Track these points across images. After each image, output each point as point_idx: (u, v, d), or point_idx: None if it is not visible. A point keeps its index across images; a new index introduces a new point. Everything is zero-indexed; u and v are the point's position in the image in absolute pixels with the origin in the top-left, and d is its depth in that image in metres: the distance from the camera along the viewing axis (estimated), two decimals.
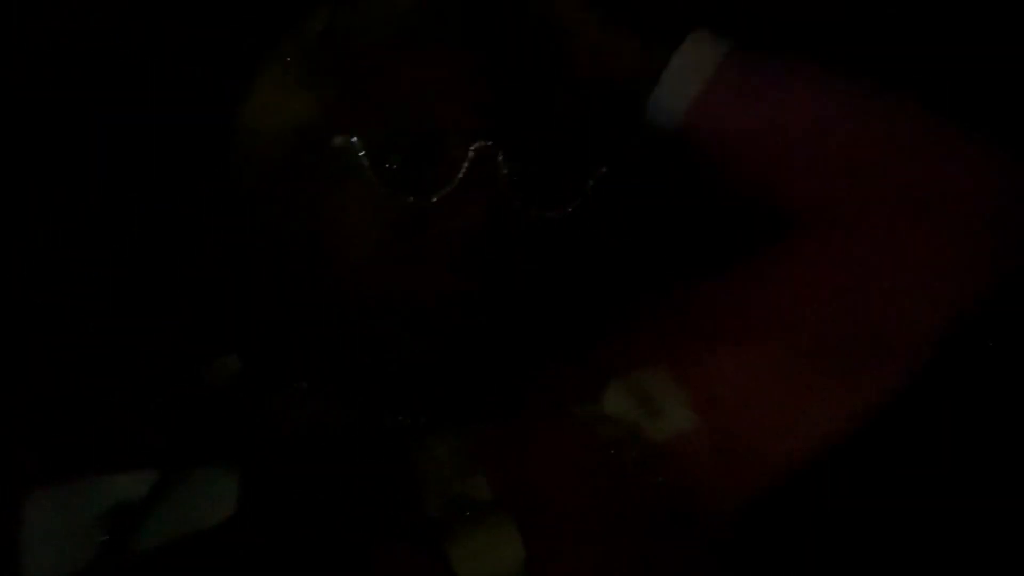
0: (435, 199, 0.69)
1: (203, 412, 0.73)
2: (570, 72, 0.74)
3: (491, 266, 0.70)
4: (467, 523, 0.67)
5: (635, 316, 0.77)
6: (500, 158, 0.69)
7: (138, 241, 0.90)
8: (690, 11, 0.75)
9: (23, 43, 0.92)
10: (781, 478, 0.73)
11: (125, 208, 0.92)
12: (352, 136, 0.70)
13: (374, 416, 0.74)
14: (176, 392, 0.75)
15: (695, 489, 0.71)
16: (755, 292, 0.73)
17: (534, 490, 0.69)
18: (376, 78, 0.72)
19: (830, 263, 0.71)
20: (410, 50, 0.72)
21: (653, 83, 0.73)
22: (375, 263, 0.71)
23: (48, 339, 0.81)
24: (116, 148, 0.92)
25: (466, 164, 0.69)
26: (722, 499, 0.73)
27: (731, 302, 0.73)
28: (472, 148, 0.69)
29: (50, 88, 0.92)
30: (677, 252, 0.87)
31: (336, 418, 0.74)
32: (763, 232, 0.74)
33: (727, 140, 0.73)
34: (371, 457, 0.71)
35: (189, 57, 0.93)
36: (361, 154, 0.70)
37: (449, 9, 0.73)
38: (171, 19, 0.94)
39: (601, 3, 0.76)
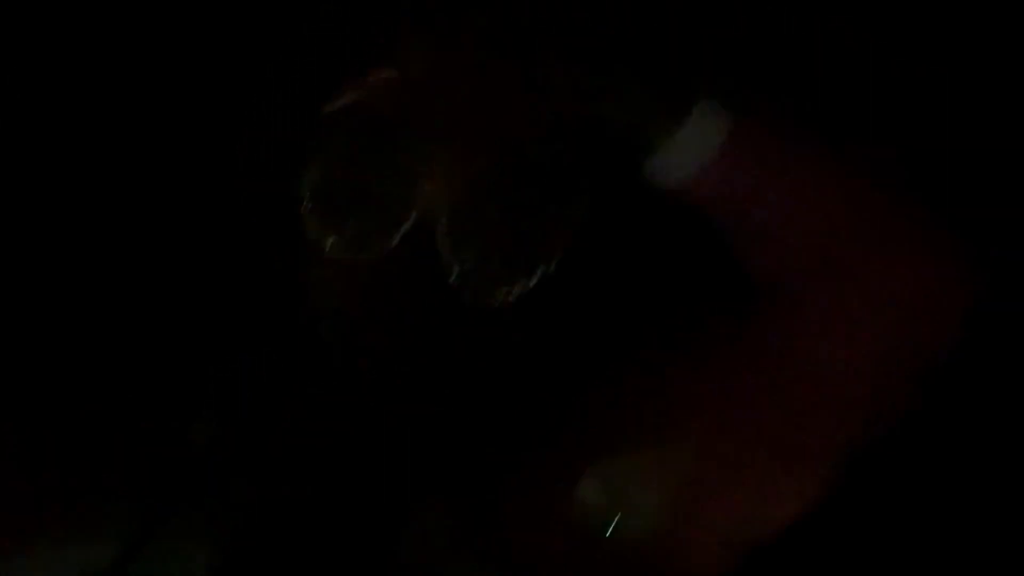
0: (363, 258, 0.70)
1: (176, 478, 0.73)
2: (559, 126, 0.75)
3: (417, 335, 0.72)
4: None
5: (606, 400, 0.78)
6: (444, 232, 0.70)
7: (115, 293, 0.90)
8: (692, 77, 0.77)
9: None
10: (744, 558, 0.75)
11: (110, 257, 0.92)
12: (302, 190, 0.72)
13: (352, 488, 0.74)
14: (149, 455, 0.74)
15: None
16: (711, 382, 0.75)
17: (514, 567, 0.71)
18: (378, 144, 0.73)
19: (771, 353, 0.73)
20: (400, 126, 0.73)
21: (655, 140, 0.74)
22: (335, 320, 0.74)
23: (19, 399, 0.80)
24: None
25: (401, 231, 0.70)
26: None
27: (698, 390, 0.75)
28: (411, 217, 0.70)
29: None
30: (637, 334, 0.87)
31: (311, 490, 0.74)
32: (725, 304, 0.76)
33: (722, 206, 0.74)
34: (353, 531, 0.72)
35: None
36: (301, 206, 0.71)
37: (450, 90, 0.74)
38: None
39: (606, 69, 0.76)
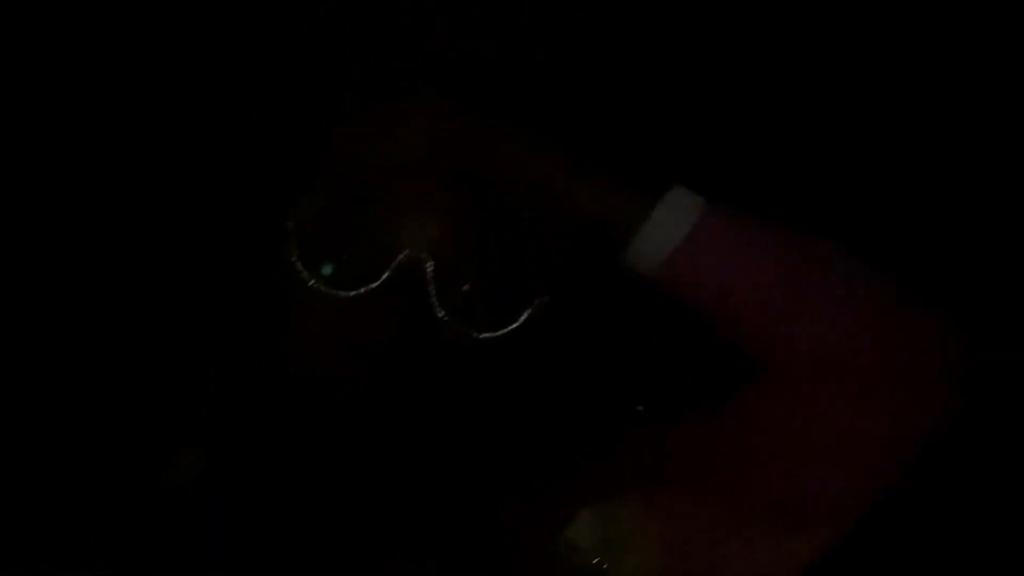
0: (352, 295, 0.73)
1: (161, 516, 0.73)
2: (537, 205, 0.77)
3: (404, 371, 0.74)
4: None
5: (608, 447, 0.78)
6: (429, 269, 0.72)
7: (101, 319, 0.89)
8: (661, 164, 0.80)
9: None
10: None
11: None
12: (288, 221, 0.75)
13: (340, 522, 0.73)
14: (133, 491, 0.74)
15: None
16: (710, 444, 0.75)
17: None
18: (368, 188, 0.76)
19: (774, 423, 0.73)
20: (399, 175, 0.75)
21: (626, 230, 0.75)
22: (320, 356, 0.75)
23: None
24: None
25: (391, 268, 0.72)
26: None
27: (690, 450, 0.75)
28: (402, 254, 0.72)
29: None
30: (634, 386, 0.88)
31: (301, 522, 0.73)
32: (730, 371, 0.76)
33: (700, 289, 0.75)
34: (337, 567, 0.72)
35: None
36: (292, 239, 0.74)
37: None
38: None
39: (580, 155, 0.78)
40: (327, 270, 0.74)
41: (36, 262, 0.90)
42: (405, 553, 0.72)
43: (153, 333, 0.85)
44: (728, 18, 0.95)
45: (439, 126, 0.76)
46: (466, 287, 0.74)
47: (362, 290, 0.72)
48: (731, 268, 0.74)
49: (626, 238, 0.75)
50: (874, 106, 0.96)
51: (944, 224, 0.94)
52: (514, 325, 0.74)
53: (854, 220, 0.91)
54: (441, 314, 0.72)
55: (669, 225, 0.74)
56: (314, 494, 0.74)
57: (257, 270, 0.80)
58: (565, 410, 0.82)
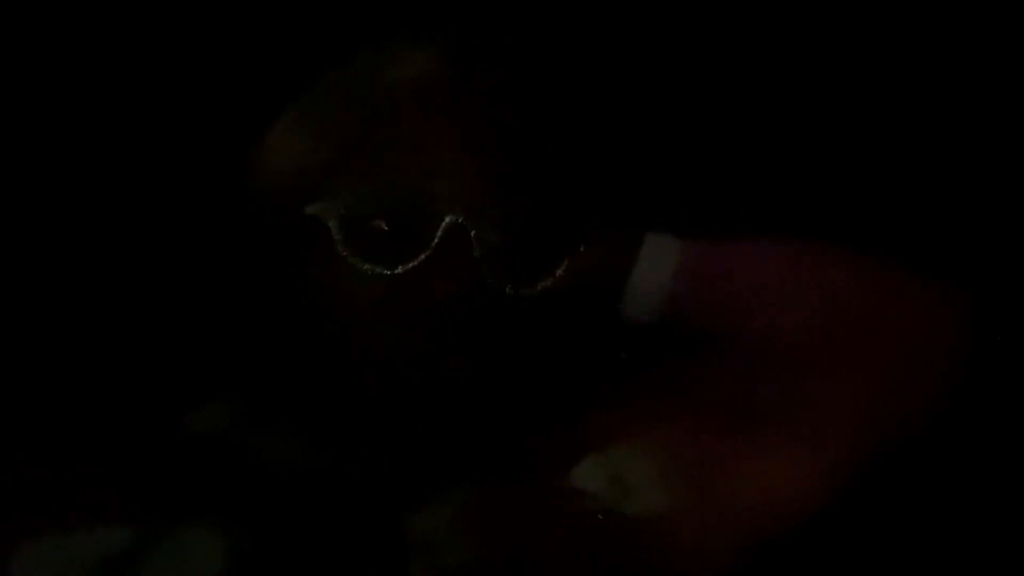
0: (400, 270, 0.71)
1: (188, 463, 0.74)
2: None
3: (463, 338, 0.72)
4: None
5: (613, 392, 0.80)
6: (473, 233, 0.71)
7: (124, 277, 0.91)
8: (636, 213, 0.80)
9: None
10: (755, 545, 0.76)
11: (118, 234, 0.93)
12: (325, 205, 0.72)
13: (363, 469, 0.75)
14: (160, 440, 0.75)
15: (675, 560, 0.74)
16: (719, 381, 0.77)
17: (519, 559, 0.72)
18: (373, 143, 0.74)
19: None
20: (412, 121, 0.74)
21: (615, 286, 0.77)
22: (355, 326, 0.73)
23: (31, 385, 0.82)
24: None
25: (436, 238, 0.70)
26: (701, 568, 0.75)
27: (696, 384, 0.78)
28: (444, 222, 0.70)
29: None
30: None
31: (325, 471, 0.75)
32: None
33: (705, 316, 0.77)
34: (361, 517, 0.73)
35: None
36: (331, 223, 0.72)
37: (458, 87, 0.75)
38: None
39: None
40: (364, 244, 0.71)
41: (87, 224, 0.92)
42: (415, 503, 0.73)
43: (187, 287, 0.87)
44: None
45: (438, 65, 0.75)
46: (504, 242, 0.72)
47: (410, 265, 0.71)
48: (728, 288, 0.76)
49: (617, 293, 0.77)
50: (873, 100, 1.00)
51: (944, 221, 0.97)
52: (556, 276, 0.74)
53: (851, 218, 0.95)
54: (488, 275, 0.72)
55: (654, 271, 0.76)
56: (332, 453, 0.76)
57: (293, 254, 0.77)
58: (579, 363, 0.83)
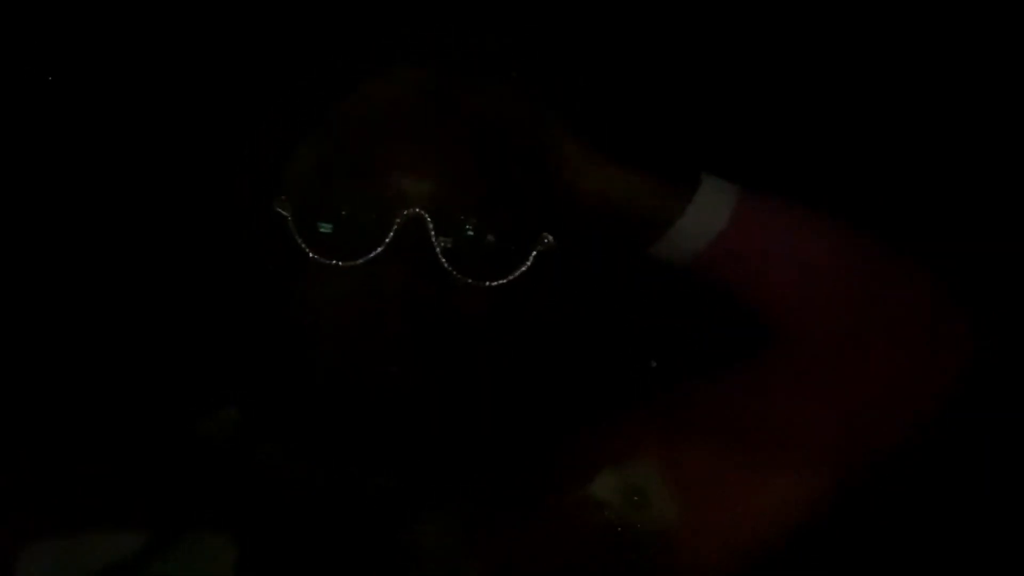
0: (359, 262, 0.70)
1: (198, 469, 0.73)
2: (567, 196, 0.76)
3: (420, 332, 0.71)
4: None
5: (624, 406, 0.80)
6: (430, 226, 0.69)
7: (134, 285, 0.91)
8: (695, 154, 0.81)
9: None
10: (753, 558, 0.77)
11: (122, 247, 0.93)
12: (282, 199, 0.72)
13: (371, 477, 0.74)
14: (171, 446, 0.75)
15: (679, 572, 0.74)
16: (724, 398, 0.78)
17: (528, 570, 0.71)
18: (361, 148, 0.73)
19: (793, 382, 0.77)
20: (397, 130, 0.73)
21: (660, 224, 0.76)
22: (328, 327, 0.72)
23: (41, 388, 0.81)
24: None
25: (393, 230, 0.69)
26: None
27: (709, 404, 0.78)
28: (403, 215, 0.69)
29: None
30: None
31: (327, 481, 0.74)
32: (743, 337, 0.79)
33: (736, 274, 0.77)
34: (369, 527, 0.72)
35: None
36: (288, 217, 0.71)
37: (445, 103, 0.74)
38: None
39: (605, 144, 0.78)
40: (326, 239, 0.70)
41: (93, 225, 0.92)
42: (429, 508, 0.73)
43: (190, 296, 0.86)
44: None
45: (436, 83, 0.74)
46: (470, 234, 0.71)
47: (368, 256, 0.69)
48: (769, 251, 0.76)
49: (659, 232, 0.76)
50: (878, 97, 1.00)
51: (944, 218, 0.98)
52: (522, 268, 0.72)
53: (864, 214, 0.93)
54: (448, 267, 0.70)
55: (706, 217, 0.75)
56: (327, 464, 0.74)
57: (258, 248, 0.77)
58: (581, 367, 0.83)
